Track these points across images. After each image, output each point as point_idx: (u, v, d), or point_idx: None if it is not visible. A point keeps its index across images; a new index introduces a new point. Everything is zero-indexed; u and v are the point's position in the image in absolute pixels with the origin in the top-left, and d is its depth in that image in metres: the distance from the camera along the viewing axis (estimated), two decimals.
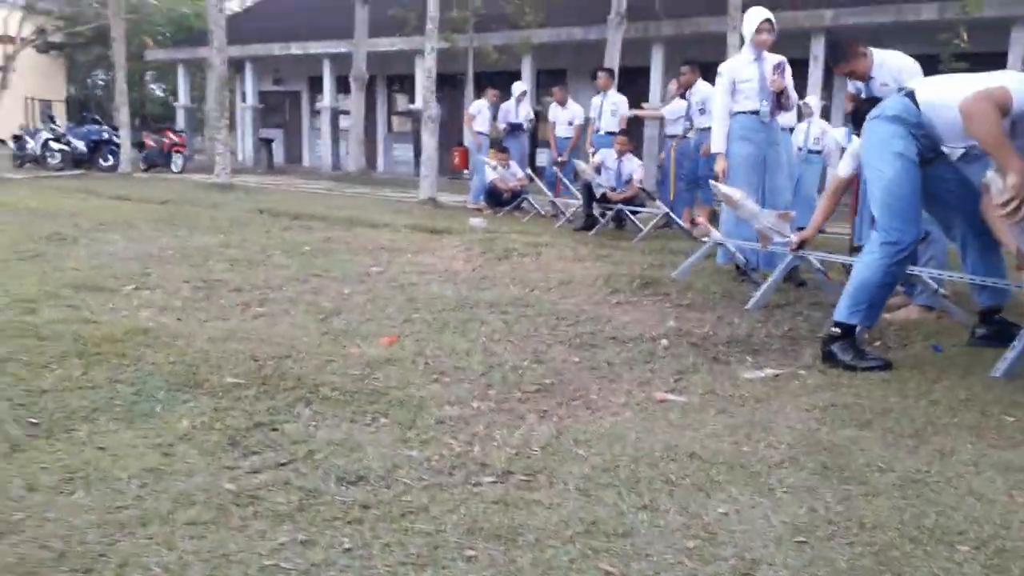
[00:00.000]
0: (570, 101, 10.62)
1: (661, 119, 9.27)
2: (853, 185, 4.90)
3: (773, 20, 5.41)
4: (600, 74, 9.64)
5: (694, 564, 1.73)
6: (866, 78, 4.37)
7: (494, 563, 1.71)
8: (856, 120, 4.04)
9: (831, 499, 2.05)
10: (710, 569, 1.71)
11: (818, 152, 8.77)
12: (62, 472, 2.08)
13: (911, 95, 3.47)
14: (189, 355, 3.09)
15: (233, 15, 22.80)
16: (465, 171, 18.01)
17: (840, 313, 3.46)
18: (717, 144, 5.56)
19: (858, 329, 3.56)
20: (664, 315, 4.50)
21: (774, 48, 5.49)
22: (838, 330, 3.48)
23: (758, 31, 5.41)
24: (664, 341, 3.87)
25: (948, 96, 3.20)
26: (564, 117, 10.46)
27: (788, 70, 5.43)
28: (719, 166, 5.58)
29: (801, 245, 4.67)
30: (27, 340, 3.19)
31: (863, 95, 4.69)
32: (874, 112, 3.55)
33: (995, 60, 12.08)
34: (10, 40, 29.14)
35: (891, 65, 4.30)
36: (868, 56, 4.34)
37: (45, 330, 3.34)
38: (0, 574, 1.57)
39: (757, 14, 5.44)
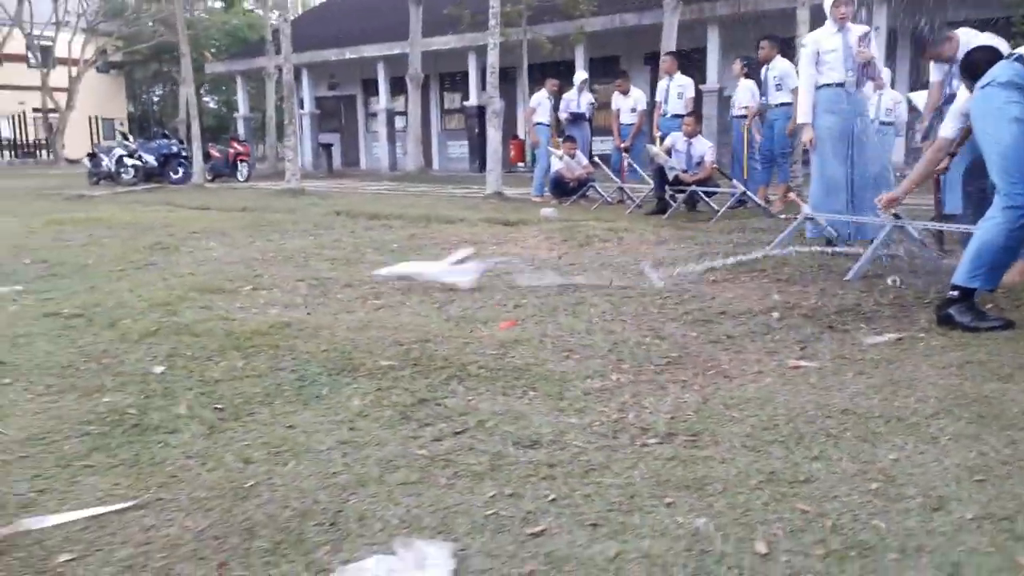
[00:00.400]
0: (632, 88, 10.67)
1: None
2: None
3: None
4: (665, 58, 9.68)
5: (882, 502, 1.83)
6: (953, 60, 4.39)
7: (693, 507, 1.84)
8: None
9: (997, 444, 2.13)
10: (900, 506, 1.81)
11: (891, 123, 8.67)
12: (266, 447, 2.27)
13: (1020, 59, 3.48)
14: (338, 343, 3.29)
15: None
16: (521, 164, 18.18)
17: (960, 276, 3.49)
18: (803, 115, 5.60)
19: (976, 292, 3.58)
20: (766, 290, 4.55)
21: None
22: (956, 293, 3.51)
23: (835, 4, 5.44)
24: (775, 313, 3.93)
25: None
26: (627, 105, 10.53)
27: (874, 40, 5.43)
28: (806, 136, 5.62)
29: (892, 204, 4.69)
30: (184, 337, 3.43)
31: (950, 81, 4.71)
32: (984, 79, 3.56)
33: None
34: (74, 62, 30.37)
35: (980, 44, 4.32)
36: (954, 39, 4.37)
37: (196, 328, 3.58)
38: (257, 529, 1.76)
39: None
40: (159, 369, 2.99)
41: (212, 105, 37.74)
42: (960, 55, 4.37)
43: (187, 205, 11.48)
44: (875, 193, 5.44)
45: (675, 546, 1.66)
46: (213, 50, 30.45)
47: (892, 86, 11.78)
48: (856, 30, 5.44)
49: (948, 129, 4.31)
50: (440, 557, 1.58)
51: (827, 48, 5.50)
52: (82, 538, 1.74)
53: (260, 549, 1.67)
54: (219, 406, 2.63)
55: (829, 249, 5.53)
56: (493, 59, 10.84)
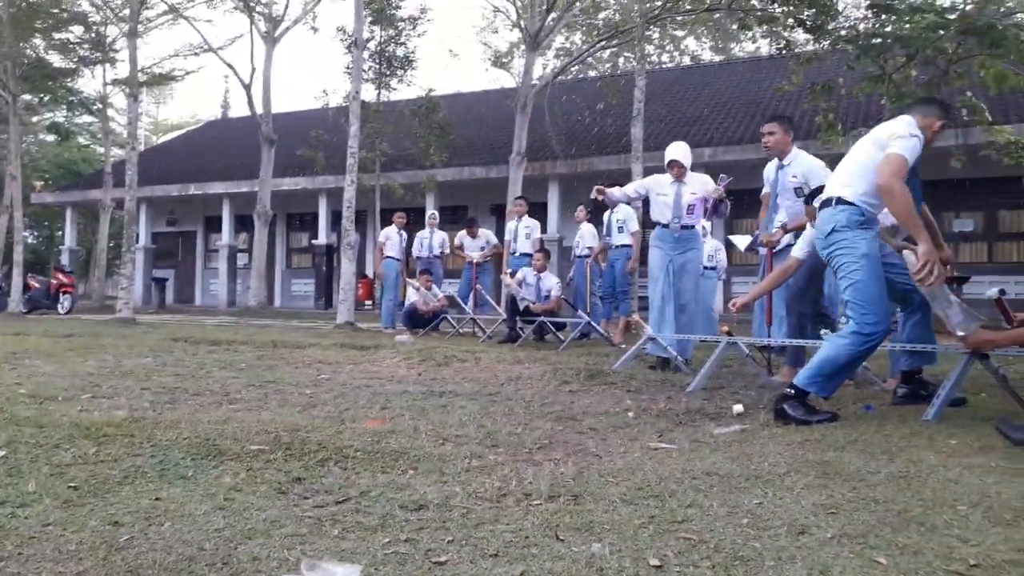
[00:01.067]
0: (480, 231, 11.23)
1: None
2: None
3: (677, 159, 6.27)
4: (517, 201, 10.37)
5: (755, 531, 1.99)
6: (783, 156, 5.20)
7: (585, 541, 1.91)
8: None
9: (842, 490, 2.38)
10: (770, 532, 1.98)
11: (713, 268, 9.66)
12: (135, 515, 2.12)
13: (841, 201, 3.87)
14: (200, 433, 3.14)
15: (122, 159, 22.77)
16: (368, 302, 18.24)
17: (800, 379, 3.86)
18: (619, 193, 6.41)
19: (809, 397, 3.99)
20: (619, 398, 4.82)
21: None
22: (792, 391, 3.90)
23: (669, 166, 6.27)
24: (631, 413, 4.18)
25: (870, 182, 3.75)
26: (476, 245, 11.07)
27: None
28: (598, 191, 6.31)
29: (742, 308, 5.27)
30: (24, 428, 3.15)
31: (769, 188, 5.48)
32: (827, 226, 3.91)
33: None
34: None
35: (803, 163, 5.14)
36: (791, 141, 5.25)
37: (37, 420, 3.29)
38: (142, 570, 1.64)
39: (667, 153, 6.36)
40: (0, 453, 2.72)
41: (30, 240, 35.37)
42: (787, 160, 5.32)
43: (3, 332, 10.52)
44: (688, 319, 6.16)
45: (575, 566, 1.72)
46: (41, 182, 28.95)
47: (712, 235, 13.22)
48: (690, 184, 6.19)
49: (799, 251, 4.90)
50: None
51: (660, 193, 6.23)
52: None
53: None
54: (73, 485, 2.43)
55: (674, 361, 5.96)
56: (350, 195, 11.13)
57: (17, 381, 4.96)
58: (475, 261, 10.66)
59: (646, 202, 6.64)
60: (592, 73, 28.57)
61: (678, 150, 6.32)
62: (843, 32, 12.65)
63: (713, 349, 6.07)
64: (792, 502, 2.26)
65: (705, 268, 9.36)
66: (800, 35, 13.89)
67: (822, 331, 4.89)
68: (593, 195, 6.34)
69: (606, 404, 4.50)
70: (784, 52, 14.37)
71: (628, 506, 2.27)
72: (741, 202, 16.81)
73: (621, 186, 6.66)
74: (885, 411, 4.14)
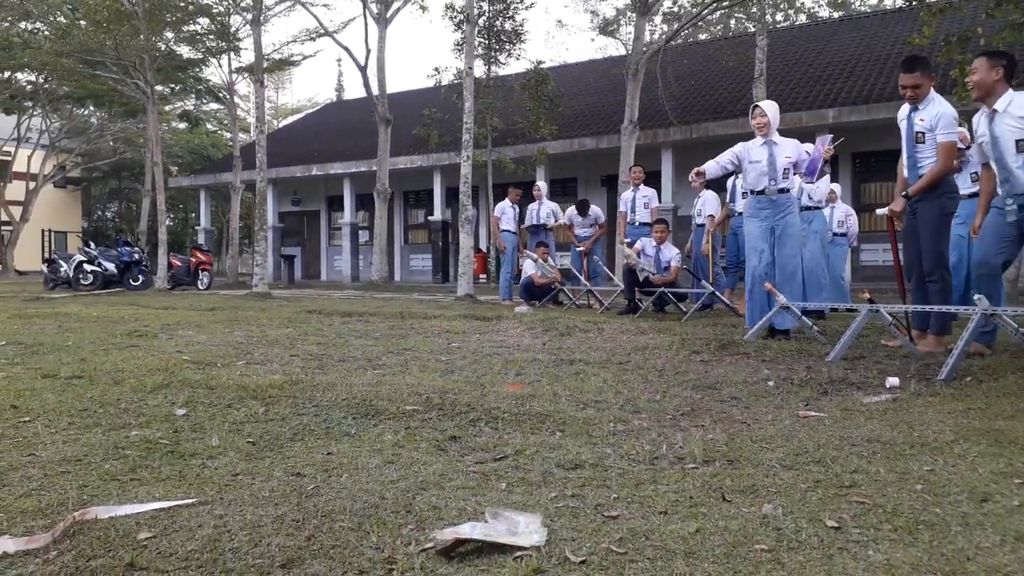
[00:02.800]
0: (590, 209, 11.19)
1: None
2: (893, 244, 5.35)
3: (761, 107, 6.02)
4: (634, 169, 10.22)
5: (931, 497, 1.92)
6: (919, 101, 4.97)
7: (754, 503, 1.90)
8: None
9: (1021, 457, 2.25)
10: (948, 498, 1.90)
11: (843, 234, 9.23)
12: (313, 467, 2.26)
13: None
14: (356, 394, 3.30)
15: (249, 143, 23.91)
16: (483, 276, 18.53)
17: None
18: (710, 171, 6.14)
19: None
20: (755, 368, 4.71)
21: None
22: None
23: (751, 116, 6.02)
24: (771, 382, 4.08)
25: None
26: (585, 223, 11.06)
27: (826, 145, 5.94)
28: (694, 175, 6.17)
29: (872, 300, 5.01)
30: (198, 390, 3.40)
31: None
32: None
33: None
34: (32, 177, 30.36)
35: (935, 107, 4.99)
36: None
37: (208, 383, 3.55)
38: (335, 515, 1.75)
39: (755, 107, 6.11)
40: (181, 411, 2.96)
41: (168, 221, 37.82)
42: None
43: (153, 305, 11.34)
44: (792, 287, 5.94)
45: (749, 525, 1.72)
46: (176, 167, 30.87)
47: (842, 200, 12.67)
48: (784, 145, 5.96)
49: None
50: (532, 524, 1.60)
51: (754, 159, 6.00)
52: (156, 524, 1.71)
53: (344, 527, 1.67)
54: (251, 440, 2.62)
55: (808, 332, 5.77)
56: (466, 170, 11.29)
57: (178, 350, 5.35)
58: (583, 250, 10.77)
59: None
60: (702, 36, 27.69)
61: (764, 102, 6.10)
62: None
63: (849, 318, 5.83)
64: (968, 470, 2.16)
65: (835, 235, 8.98)
66: None
67: (975, 296, 4.60)
68: (692, 180, 6.23)
69: (743, 374, 4.41)
70: (913, 3, 13.46)
71: (789, 471, 2.24)
72: (869, 165, 15.98)
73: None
74: None
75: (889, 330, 5.36)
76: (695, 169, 6.18)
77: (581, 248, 10.82)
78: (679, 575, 1.43)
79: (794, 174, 6.05)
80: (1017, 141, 4.32)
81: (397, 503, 1.86)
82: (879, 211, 5.38)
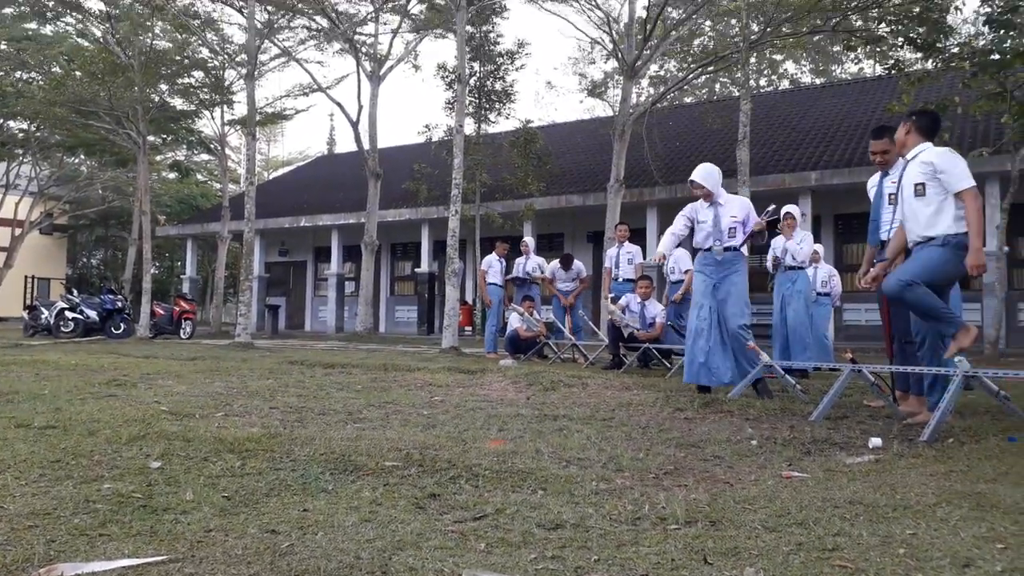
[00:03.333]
0: (573, 263, 11.29)
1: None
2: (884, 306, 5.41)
3: (696, 180, 6.21)
4: (620, 227, 10.34)
5: (913, 562, 1.90)
6: (890, 165, 5.23)
7: (735, 567, 1.87)
8: None
9: (1004, 523, 2.24)
10: (931, 563, 1.88)
11: (827, 294, 9.34)
12: (288, 524, 2.22)
13: None
14: (334, 449, 3.26)
15: (238, 193, 24.04)
16: (468, 328, 18.50)
17: None
18: (660, 247, 6.40)
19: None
20: (738, 426, 4.70)
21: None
22: None
23: (692, 187, 6.23)
24: (754, 441, 4.06)
25: None
26: (568, 276, 11.15)
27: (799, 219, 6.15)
28: (657, 255, 6.45)
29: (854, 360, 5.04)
30: (174, 442, 3.35)
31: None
32: None
33: None
34: (18, 224, 30.26)
35: (932, 152, 5.12)
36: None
37: (184, 435, 3.49)
38: (308, 575, 1.71)
39: (692, 176, 6.27)
40: (156, 464, 2.90)
41: (153, 270, 37.69)
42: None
43: (133, 354, 11.21)
44: (735, 344, 6.02)
45: None
46: (164, 216, 30.91)
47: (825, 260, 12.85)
48: (728, 205, 6.12)
49: None
50: None
51: (700, 219, 6.19)
52: None
53: None
54: (226, 495, 2.56)
55: (792, 391, 5.78)
56: (454, 224, 11.38)
57: (156, 400, 5.28)
58: (567, 304, 10.90)
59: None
60: (688, 99, 28.33)
61: (698, 171, 6.25)
62: (956, 49, 12.12)
63: (832, 377, 5.86)
64: (950, 534, 2.15)
65: (819, 294, 9.08)
66: (909, 54, 13.39)
67: (957, 358, 4.64)
68: (657, 261, 6.48)
69: (726, 432, 4.39)
70: (892, 72, 13.87)
71: (772, 533, 2.21)
72: (851, 226, 16.24)
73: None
74: None
75: (871, 390, 5.37)
76: (657, 253, 6.44)
77: (565, 303, 10.89)
78: None
79: (743, 232, 6.17)
80: (915, 185, 4.59)
81: (372, 563, 1.82)
82: (862, 271, 5.45)
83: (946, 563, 1.90)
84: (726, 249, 6.16)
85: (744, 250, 6.53)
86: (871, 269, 5.30)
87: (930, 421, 4.02)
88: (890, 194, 5.24)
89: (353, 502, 2.50)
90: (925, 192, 4.53)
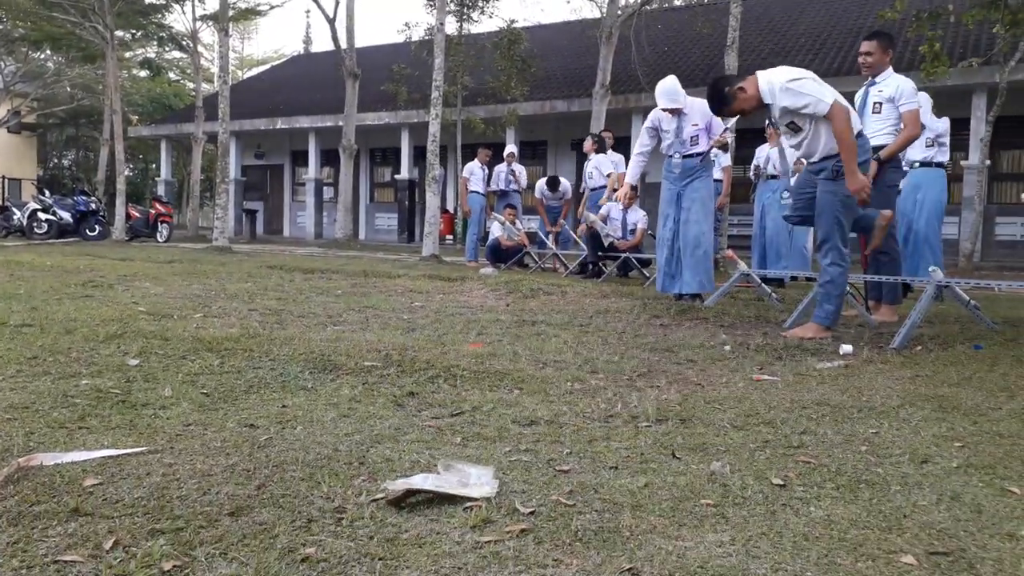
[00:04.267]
0: (561, 182, 11.16)
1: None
2: None
3: (664, 105, 6.01)
4: (603, 133, 10.18)
5: (875, 458, 1.98)
6: (876, 75, 5.25)
7: (702, 462, 1.93)
8: None
9: (963, 423, 2.32)
10: (890, 459, 1.96)
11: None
12: (267, 418, 2.25)
13: None
14: (314, 349, 3.28)
15: (212, 93, 23.33)
16: (449, 237, 18.45)
17: None
18: (630, 176, 6.43)
19: None
20: (712, 332, 4.78)
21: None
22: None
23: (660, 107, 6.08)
24: (727, 347, 4.14)
25: None
26: (555, 196, 11.06)
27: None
28: (620, 193, 6.44)
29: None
30: (152, 340, 3.35)
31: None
32: None
33: (958, 125, 13.07)
34: None
35: (895, 80, 5.24)
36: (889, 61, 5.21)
37: (163, 334, 3.50)
38: (287, 465, 1.75)
39: (659, 87, 6.06)
40: (134, 361, 2.91)
41: (127, 171, 36.88)
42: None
43: (109, 256, 11.10)
44: (694, 252, 6.06)
45: (697, 481, 1.75)
46: (136, 116, 30.03)
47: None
48: (691, 114, 6.04)
49: None
50: (484, 476, 1.61)
51: (664, 128, 6.12)
52: (102, 471, 1.69)
53: (295, 478, 1.67)
54: (204, 392, 2.59)
55: (767, 300, 5.87)
56: (435, 129, 11.16)
57: (134, 301, 5.26)
58: (553, 232, 10.87)
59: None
60: (677, 2, 27.51)
61: (664, 94, 6.01)
62: None
63: (808, 287, 5.93)
64: (911, 433, 2.23)
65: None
66: None
67: (930, 268, 4.70)
68: (622, 198, 6.52)
69: (700, 338, 4.47)
70: None
71: (739, 431, 2.28)
72: None
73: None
74: (996, 351, 3.98)
75: (847, 300, 5.46)
76: (628, 187, 6.40)
77: (551, 230, 10.89)
78: (625, 527, 1.46)
79: (708, 138, 6.11)
80: (875, 103, 5.11)
81: (350, 455, 1.86)
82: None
83: (905, 459, 1.97)
84: (686, 156, 6.13)
85: (714, 157, 6.50)
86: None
87: (900, 329, 4.11)
88: (875, 103, 5.20)
89: (332, 399, 2.54)
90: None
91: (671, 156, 6.15)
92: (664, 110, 6.07)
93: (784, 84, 4.19)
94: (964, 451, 2.04)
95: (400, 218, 20.17)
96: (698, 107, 6.15)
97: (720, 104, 4.37)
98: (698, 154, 6.13)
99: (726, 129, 6.20)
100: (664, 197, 6.23)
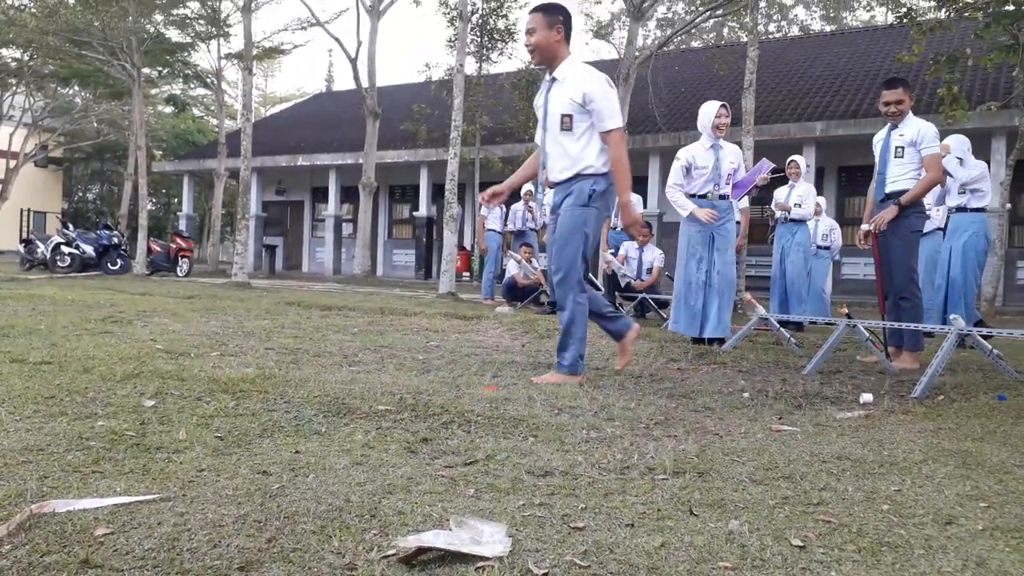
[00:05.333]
0: None
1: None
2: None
3: (728, 107, 6.04)
4: None
5: (897, 518, 1.93)
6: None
7: (720, 519, 1.89)
8: None
9: (988, 481, 2.27)
10: (914, 521, 1.91)
11: (827, 247, 9.31)
12: (280, 465, 2.23)
13: None
14: (328, 391, 3.27)
15: (235, 130, 23.72)
16: (466, 274, 18.51)
17: None
18: (684, 211, 6.10)
19: None
20: (731, 378, 4.73)
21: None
22: None
23: (717, 116, 5.97)
24: (746, 394, 4.09)
25: None
26: None
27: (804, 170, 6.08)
28: (704, 214, 6.02)
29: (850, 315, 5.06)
30: (168, 381, 3.36)
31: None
32: None
33: None
34: (13, 155, 29.95)
35: (916, 124, 5.34)
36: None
37: (179, 374, 3.51)
38: (298, 517, 1.73)
39: (714, 104, 6.05)
40: (150, 402, 2.92)
41: (150, 206, 37.47)
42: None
43: (130, 291, 11.23)
44: (731, 293, 5.99)
45: (715, 541, 1.71)
46: (160, 151, 30.59)
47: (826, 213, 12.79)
48: (728, 149, 5.99)
49: None
50: (497, 534, 1.59)
51: (699, 164, 6.00)
52: (114, 519, 1.68)
53: (306, 530, 1.65)
54: (219, 435, 2.58)
55: (786, 345, 5.82)
56: (453, 168, 11.26)
57: (151, 338, 5.29)
58: None
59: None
60: (695, 44, 27.80)
61: (706, 115, 5.99)
62: None
63: (827, 331, 5.88)
64: (934, 491, 2.17)
65: (819, 247, 9.06)
66: (922, 1, 13.11)
67: (951, 316, 4.65)
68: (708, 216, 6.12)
69: (718, 383, 4.42)
70: (904, 21, 13.58)
71: (758, 486, 2.24)
72: (854, 179, 16.10)
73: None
74: (1021, 402, 3.91)
75: (866, 345, 5.40)
76: (709, 213, 5.97)
77: None
78: None
79: (726, 183, 6.07)
80: (896, 148, 5.15)
81: (362, 506, 1.84)
82: (863, 227, 5.42)
83: (928, 520, 1.92)
84: (721, 197, 6.07)
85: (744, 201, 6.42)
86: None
87: (922, 378, 4.04)
88: (897, 147, 5.19)
89: (345, 445, 2.52)
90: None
91: (703, 195, 6.02)
92: (722, 125, 5.94)
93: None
94: (990, 512, 1.99)
95: (418, 254, 20.30)
96: (733, 148, 6.14)
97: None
98: (727, 196, 6.09)
99: (771, 168, 6.14)
100: (695, 239, 6.03)
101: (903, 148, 5.16)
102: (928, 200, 5.83)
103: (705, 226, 5.99)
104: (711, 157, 5.99)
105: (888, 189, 5.26)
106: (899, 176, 5.18)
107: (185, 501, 1.83)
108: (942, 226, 7.26)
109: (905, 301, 5.22)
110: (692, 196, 6.06)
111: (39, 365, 3.72)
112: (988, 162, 13.01)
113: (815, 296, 8.57)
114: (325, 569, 1.47)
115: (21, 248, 17.25)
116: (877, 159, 5.38)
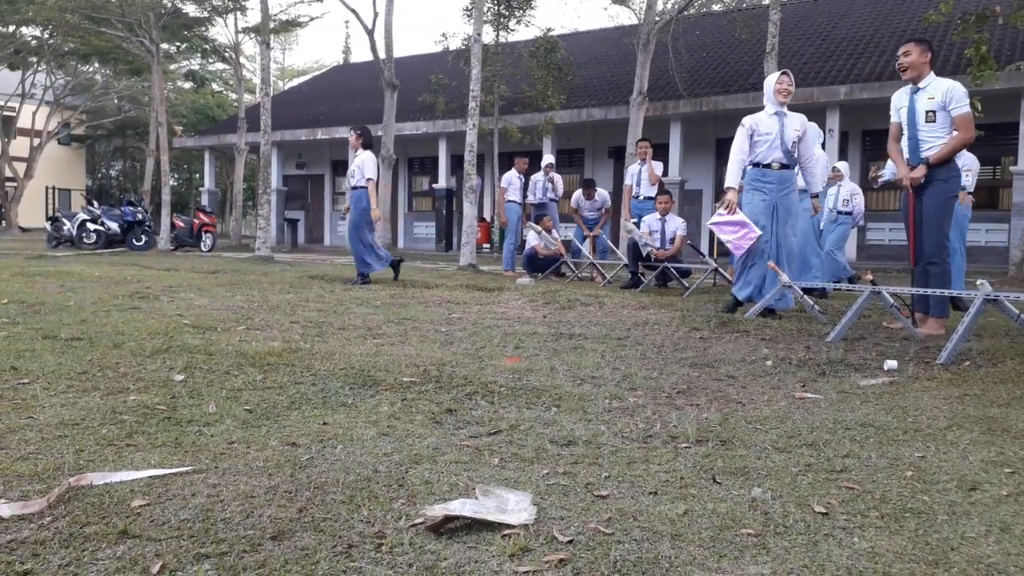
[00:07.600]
0: (596, 192, 11.12)
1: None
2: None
3: (790, 74, 5.94)
4: (640, 144, 10.14)
5: (920, 484, 1.93)
6: (918, 80, 5.16)
7: (743, 486, 1.91)
8: None
9: (1013, 447, 2.26)
10: (938, 486, 1.91)
11: (848, 213, 9.18)
12: (308, 437, 2.28)
13: None
14: (354, 364, 3.32)
15: (254, 104, 23.75)
16: (486, 245, 18.51)
17: None
18: (730, 179, 5.94)
19: None
20: (754, 346, 4.71)
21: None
22: None
23: (779, 83, 5.87)
24: (769, 362, 4.08)
25: None
26: (592, 206, 11.05)
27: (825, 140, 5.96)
28: (728, 199, 5.93)
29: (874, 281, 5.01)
30: (196, 355, 3.42)
31: (897, 118, 5.22)
32: None
33: (1007, 129, 12.75)
34: (36, 133, 30.22)
35: (942, 84, 5.16)
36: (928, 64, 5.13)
37: (207, 349, 3.57)
38: (328, 487, 1.77)
39: (775, 73, 6.00)
40: (179, 377, 2.98)
41: (172, 182, 37.74)
42: None
43: (155, 267, 11.36)
44: (794, 266, 5.92)
45: (738, 508, 1.73)
46: (181, 127, 30.72)
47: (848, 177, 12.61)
48: (793, 119, 5.88)
49: None
50: (522, 503, 1.62)
51: (762, 131, 5.89)
52: (150, 491, 1.73)
53: (336, 500, 1.69)
54: (247, 408, 2.63)
55: (810, 312, 5.78)
56: (472, 139, 11.21)
57: (178, 313, 5.37)
58: (591, 236, 10.82)
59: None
60: (716, 7, 27.31)
61: (775, 78, 5.89)
62: None
63: (852, 297, 5.82)
64: (958, 457, 2.17)
65: (840, 213, 8.93)
66: None
67: (978, 281, 4.59)
68: (726, 205, 5.93)
69: (741, 352, 4.42)
70: None
71: (781, 453, 2.25)
72: (879, 143, 15.82)
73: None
74: None
75: (891, 312, 5.35)
76: (733, 194, 5.88)
77: (588, 235, 10.86)
78: (664, 558, 1.45)
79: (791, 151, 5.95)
80: (927, 112, 5.03)
81: (390, 476, 1.87)
82: (905, 177, 5.24)
83: (952, 486, 1.92)
84: (784, 167, 5.97)
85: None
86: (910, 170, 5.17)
87: (947, 343, 4.01)
88: (927, 111, 5.07)
89: (372, 416, 2.56)
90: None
91: (767, 165, 5.88)
92: (784, 92, 5.83)
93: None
94: (1014, 478, 1.99)
95: (438, 227, 20.30)
96: (798, 117, 5.98)
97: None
98: (792, 165, 5.94)
99: (827, 132, 6.09)
100: (757, 208, 5.89)
101: (934, 112, 5.03)
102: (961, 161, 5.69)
103: (768, 195, 5.88)
104: (775, 124, 5.87)
105: (923, 155, 5.14)
106: (935, 141, 5.06)
107: (217, 473, 1.88)
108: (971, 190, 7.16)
109: (934, 266, 5.14)
110: (756, 165, 5.93)
111: (70, 341, 3.80)
112: (1017, 123, 12.72)
113: (828, 259, 8.49)
114: (355, 538, 1.51)
115: (48, 226, 17.47)
116: (905, 123, 5.25)
